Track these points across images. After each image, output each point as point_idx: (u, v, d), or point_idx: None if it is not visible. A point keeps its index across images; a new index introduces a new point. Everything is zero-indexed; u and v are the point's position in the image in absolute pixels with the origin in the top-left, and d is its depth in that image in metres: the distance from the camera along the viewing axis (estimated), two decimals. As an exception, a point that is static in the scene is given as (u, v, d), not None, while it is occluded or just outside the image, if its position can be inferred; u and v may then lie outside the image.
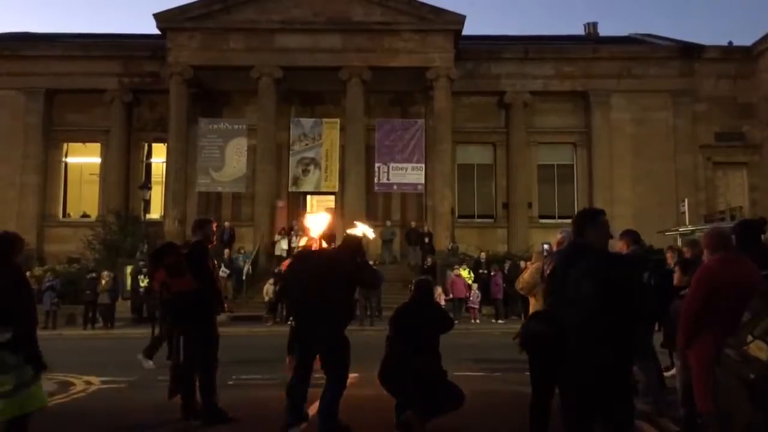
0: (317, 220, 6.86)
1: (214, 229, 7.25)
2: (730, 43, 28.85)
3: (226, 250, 23.74)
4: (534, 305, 5.32)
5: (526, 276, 5.43)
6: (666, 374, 7.46)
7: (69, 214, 27.80)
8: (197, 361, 6.70)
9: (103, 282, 19.73)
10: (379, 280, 7.03)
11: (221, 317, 7.35)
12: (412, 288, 6.61)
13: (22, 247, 5.52)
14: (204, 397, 6.66)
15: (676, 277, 6.99)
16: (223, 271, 22.67)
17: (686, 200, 23.64)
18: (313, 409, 6.35)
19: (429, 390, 5.96)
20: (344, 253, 6.41)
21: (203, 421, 6.58)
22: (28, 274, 19.79)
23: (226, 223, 24.53)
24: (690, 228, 21.10)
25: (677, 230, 21.64)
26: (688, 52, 27.47)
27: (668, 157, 26.60)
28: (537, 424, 5.19)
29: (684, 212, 23.20)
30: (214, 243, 7.43)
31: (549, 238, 23.85)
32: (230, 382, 9.17)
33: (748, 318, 4.28)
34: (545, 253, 5.87)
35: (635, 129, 26.86)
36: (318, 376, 6.36)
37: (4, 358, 4.79)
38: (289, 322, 6.99)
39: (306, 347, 6.28)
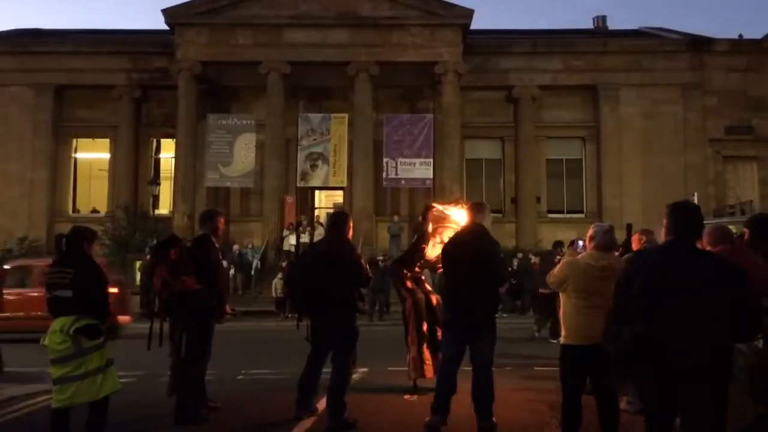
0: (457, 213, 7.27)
1: (222, 222, 6.96)
2: (741, 36, 28.66)
3: (235, 246, 23.80)
4: (564, 301, 5.33)
5: (555, 271, 5.44)
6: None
7: (78, 210, 27.94)
8: (184, 359, 6.37)
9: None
10: (367, 281, 6.79)
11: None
12: None
13: (95, 238, 5.64)
14: (180, 395, 6.30)
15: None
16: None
17: (696, 194, 23.38)
18: (322, 404, 6.37)
19: None
20: (345, 245, 6.39)
21: (174, 421, 6.18)
22: (38, 269, 20.06)
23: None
24: (700, 222, 20.96)
25: (687, 225, 21.49)
26: (698, 45, 27.27)
27: (678, 151, 26.44)
28: (572, 421, 5.11)
29: (694, 206, 23.04)
30: (221, 237, 7.11)
31: (557, 233, 23.66)
32: (240, 377, 9.23)
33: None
34: (578, 249, 5.86)
35: (644, 123, 26.70)
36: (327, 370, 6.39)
37: (80, 343, 5.07)
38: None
39: (316, 339, 6.31)
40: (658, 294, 3.48)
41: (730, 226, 5.56)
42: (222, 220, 6.98)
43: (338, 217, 6.86)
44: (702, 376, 3.43)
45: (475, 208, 6.23)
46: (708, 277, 3.55)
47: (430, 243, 7.77)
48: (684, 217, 3.78)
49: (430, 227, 7.80)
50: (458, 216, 7.40)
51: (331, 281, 6.06)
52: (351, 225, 6.69)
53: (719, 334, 3.47)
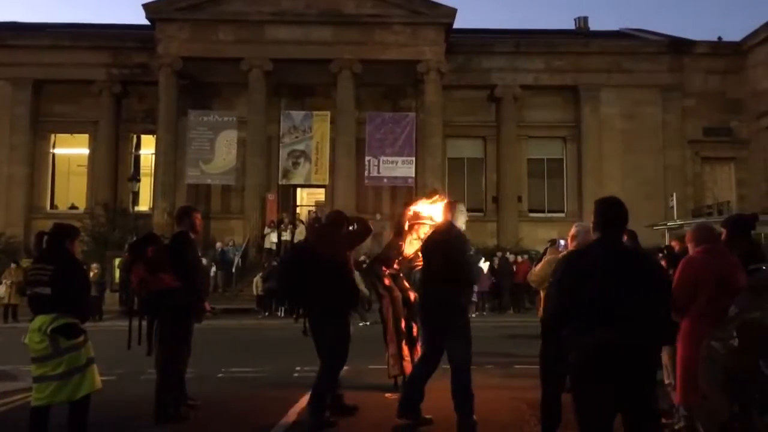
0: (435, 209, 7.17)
1: (198, 218, 6.86)
2: (720, 38, 28.95)
3: (218, 244, 23.68)
4: (545, 298, 5.39)
5: (537, 269, 5.49)
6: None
7: (56, 206, 27.57)
8: (163, 357, 6.31)
9: (92, 274, 19.62)
10: (368, 229, 6.71)
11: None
12: None
13: (77, 236, 5.61)
14: (159, 393, 6.25)
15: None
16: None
17: (674, 195, 23.76)
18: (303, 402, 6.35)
19: None
20: (330, 235, 6.30)
21: (155, 420, 6.15)
22: (13, 266, 19.89)
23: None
24: (678, 222, 21.26)
25: (665, 225, 21.79)
26: (678, 47, 27.56)
27: (657, 152, 26.73)
28: (550, 419, 5.18)
29: (672, 207, 23.34)
30: (199, 233, 7.05)
31: (538, 232, 23.81)
32: (220, 375, 9.18)
33: (735, 312, 4.32)
34: (560, 248, 5.90)
35: (624, 124, 26.94)
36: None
37: (58, 342, 5.02)
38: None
39: (314, 338, 6.27)
40: (617, 294, 3.52)
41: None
42: (198, 215, 6.90)
43: (336, 217, 6.69)
44: (647, 368, 3.59)
45: (446, 207, 6.26)
46: (652, 273, 3.72)
47: (407, 240, 7.78)
48: (609, 213, 3.82)
49: (406, 224, 7.82)
50: (436, 212, 7.42)
51: (318, 281, 5.97)
52: (347, 227, 6.58)
53: (662, 328, 3.70)
